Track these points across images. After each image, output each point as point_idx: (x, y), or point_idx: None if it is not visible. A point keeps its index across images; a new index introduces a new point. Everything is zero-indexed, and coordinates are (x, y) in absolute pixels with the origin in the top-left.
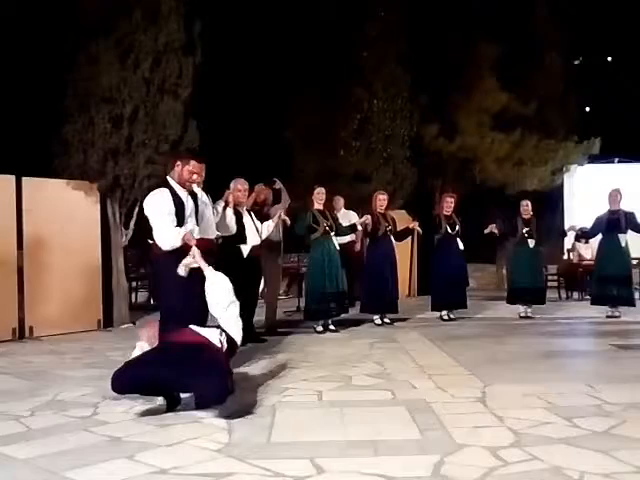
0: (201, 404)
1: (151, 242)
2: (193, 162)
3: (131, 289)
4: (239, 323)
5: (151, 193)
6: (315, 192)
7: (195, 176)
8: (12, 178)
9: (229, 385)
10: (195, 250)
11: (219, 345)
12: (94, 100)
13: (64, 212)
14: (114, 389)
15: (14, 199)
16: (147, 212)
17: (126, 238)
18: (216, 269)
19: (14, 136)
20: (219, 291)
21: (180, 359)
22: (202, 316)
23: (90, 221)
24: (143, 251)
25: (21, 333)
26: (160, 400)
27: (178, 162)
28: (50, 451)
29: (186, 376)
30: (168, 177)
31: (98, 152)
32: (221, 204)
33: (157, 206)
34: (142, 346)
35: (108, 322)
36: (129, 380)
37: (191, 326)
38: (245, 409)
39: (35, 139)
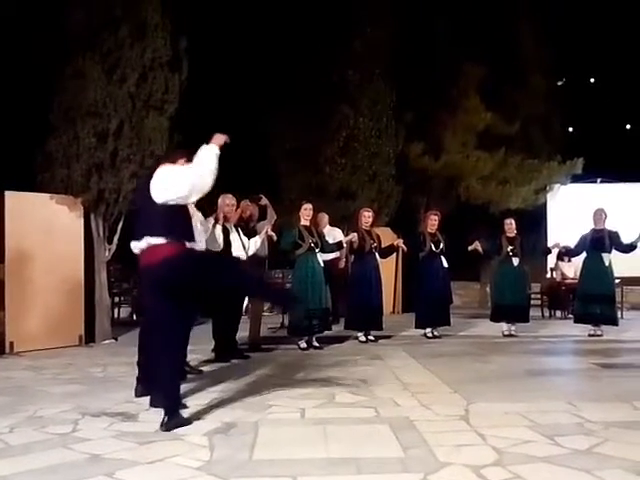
0: None
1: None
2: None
3: (114, 304)
4: None
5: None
6: (302, 208)
7: None
8: None
9: None
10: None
11: None
12: (79, 114)
13: (47, 226)
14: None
15: None
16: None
17: (109, 253)
18: None
19: None
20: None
21: None
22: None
23: (73, 236)
24: (126, 266)
25: (1, 348)
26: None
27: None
28: (29, 468)
29: None
30: None
31: (82, 166)
32: (211, 221)
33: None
34: None
35: (90, 338)
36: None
37: None
38: (227, 426)
39: (19, 153)
